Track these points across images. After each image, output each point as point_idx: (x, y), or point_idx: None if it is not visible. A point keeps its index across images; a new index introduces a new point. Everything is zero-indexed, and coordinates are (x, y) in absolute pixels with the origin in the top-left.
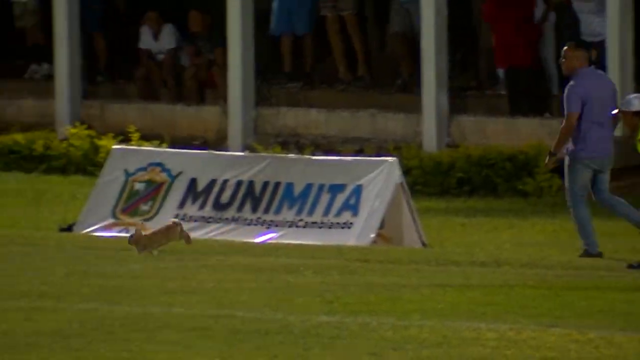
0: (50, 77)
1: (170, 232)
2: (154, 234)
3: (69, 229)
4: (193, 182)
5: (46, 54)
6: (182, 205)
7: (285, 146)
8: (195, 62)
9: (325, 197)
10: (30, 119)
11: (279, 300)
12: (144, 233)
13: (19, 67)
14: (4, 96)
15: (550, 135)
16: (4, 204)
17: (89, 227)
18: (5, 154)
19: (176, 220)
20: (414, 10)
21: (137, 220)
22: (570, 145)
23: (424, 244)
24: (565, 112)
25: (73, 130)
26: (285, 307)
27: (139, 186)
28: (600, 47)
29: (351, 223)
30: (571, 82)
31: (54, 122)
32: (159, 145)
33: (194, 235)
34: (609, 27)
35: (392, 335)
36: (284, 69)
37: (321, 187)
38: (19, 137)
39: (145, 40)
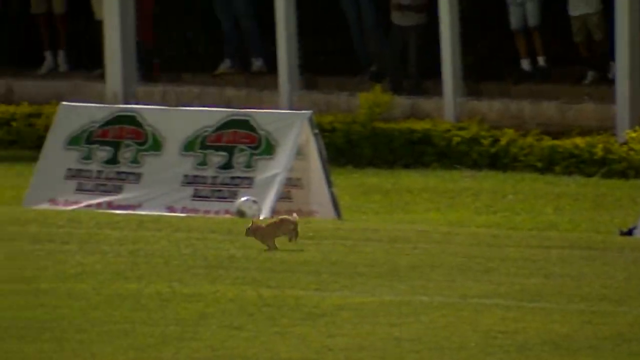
0: (604, 81)
1: (282, 225)
2: (269, 226)
3: (629, 233)
4: None
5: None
6: None
7: None
8: None
9: None
10: (590, 123)
11: None
12: (262, 225)
13: (576, 72)
14: (564, 100)
15: None
16: (564, 207)
17: None
18: (565, 158)
19: (295, 215)
20: None
21: None
22: None
23: None
24: None
25: (633, 135)
26: None
27: None
28: None
29: None
30: None
31: (614, 126)
32: None
33: None
34: None
35: None
36: None
37: None
38: (579, 141)
39: None
